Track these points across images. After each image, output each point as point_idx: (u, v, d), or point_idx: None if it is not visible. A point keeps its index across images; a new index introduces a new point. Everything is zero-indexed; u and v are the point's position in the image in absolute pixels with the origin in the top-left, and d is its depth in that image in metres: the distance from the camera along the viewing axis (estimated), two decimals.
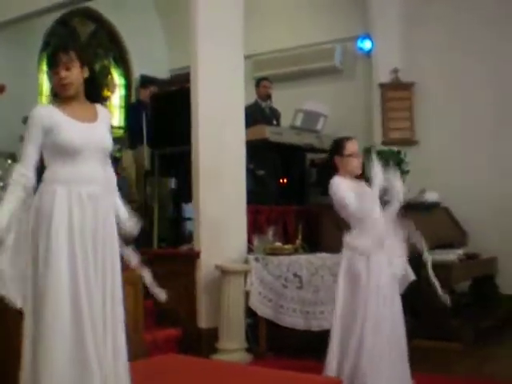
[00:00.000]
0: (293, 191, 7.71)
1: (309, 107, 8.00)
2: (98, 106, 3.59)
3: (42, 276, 3.26)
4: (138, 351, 4.17)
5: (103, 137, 3.49)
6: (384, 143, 8.17)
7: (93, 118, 3.50)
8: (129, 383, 3.46)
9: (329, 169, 4.55)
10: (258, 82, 8.22)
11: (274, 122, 7.88)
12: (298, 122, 7.84)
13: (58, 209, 3.30)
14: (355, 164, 4.49)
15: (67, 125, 3.36)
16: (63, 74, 3.37)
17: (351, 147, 4.51)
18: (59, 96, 3.44)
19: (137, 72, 10.17)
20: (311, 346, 5.37)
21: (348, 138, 4.60)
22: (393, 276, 4.47)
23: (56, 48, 3.52)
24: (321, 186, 4.56)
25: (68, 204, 3.32)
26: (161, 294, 3.84)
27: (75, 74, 3.41)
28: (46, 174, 3.39)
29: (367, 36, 8.75)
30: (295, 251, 6.16)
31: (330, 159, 4.57)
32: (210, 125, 6.08)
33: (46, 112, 3.40)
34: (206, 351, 5.70)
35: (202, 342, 5.88)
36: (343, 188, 4.39)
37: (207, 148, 6.06)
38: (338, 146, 4.56)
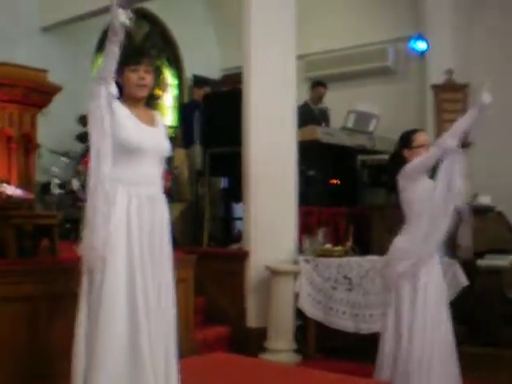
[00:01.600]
0: (344, 192, 7.67)
1: (361, 108, 7.96)
2: (155, 112, 3.67)
3: (100, 271, 3.32)
4: (187, 349, 4.21)
5: (164, 142, 3.56)
6: None
7: (153, 123, 3.56)
8: (178, 381, 3.52)
9: (397, 161, 4.52)
10: (314, 86, 8.19)
11: (323, 124, 7.86)
12: (350, 123, 7.80)
13: (117, 208, 3.35)
14: None
15: (131, 123, 3.42)
16: (143, 74, 3.45)
17: (419, 139, 4.47)
18: (128, 96, 3.49)
19: (189, 72, 10.24)
20: (360, 349, 5.35)
21: (416, 130, 4.58)
22: (439, 276, 4.43)
23: (140, 49, 3.59)
24: (389, 180, 4.48)
25: (127, 203, 3.37)
26: None
27: (150, 79, 3.51)
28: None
29: (420, 36, 8.67)
30: (345, 253, 6.12)
31: (399, 152, 4.54)
32: (262, 125, 6.09)
33: (117, 104, 3.43)
34: (255, 350, 5.72)
35: (250, 341, 5.90)
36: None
37: (258, 148, 6.08)
38: (405, 138, 4.53)
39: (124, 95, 3.49)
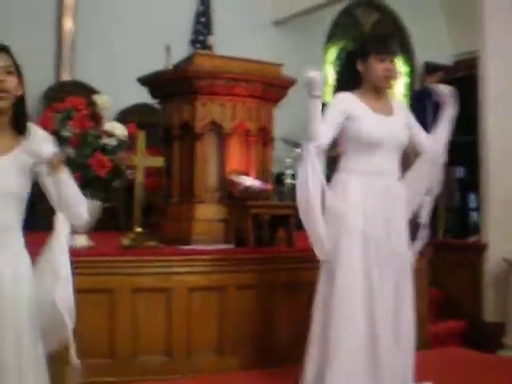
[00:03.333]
0: None
1: None
2: (393, 100, 3.63)
3: (335, 266, 3.37)
4: (420, 342, 4.13)
5: (400, 132, 3.52)
6: None
7: (389, 111, 3.53)
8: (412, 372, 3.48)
9: None
10: None
11: None
12: None
13: (352, 200, 3.38)
14: None
15: (367, 116, 3.43)
16: (390, 65, 3.45)
17: None
18: (369, 84, 3.49)
19: (420, 59, 10.05)
20: None
21: None
22: None
23: (389, 38, 3.59)
24: None
25: (361, 193, 3.38)
26: None
27: (395, 71, 3.51)
28: (342, 164, 3.49)
29: None
30: None
31: None
32: (500, 112, 5.80)
33: (348, 98, 3.47)
34: (492, 346, 5.50)
35: (487, 337, 5.68)
36: None
37: (496, 136, 5.79)
38: None
39: (364, 83, 3.50)
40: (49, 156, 2.41)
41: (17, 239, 2.47)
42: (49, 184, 2.50)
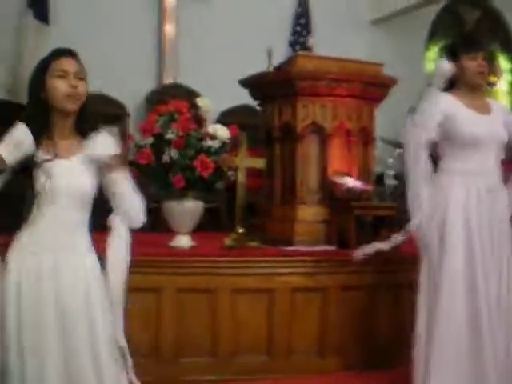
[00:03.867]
0: None
1: None
2: (489, 99, 3.61)
3: (438, 263, 3.33)
4: None
5: (498, 129, 3.46)
6: None
7: (486, 110, 3.49)
8: None
9: None
10: None
11: None
12: None
13: (454, 200, 3.34)
14: None
15: (465, 114, 3.40)
16: (482, 62, 3.43)
17: None
18: (465, 84, 3.45)
19: None
20: None
21: None
22: None
23: (478, 36, 3.60)
24: None
25: (465, 195, 3.34)
26: None
27: (487, 67, 3.47)
28: (444, 165, 3.44)
29: None
30: None
31: None
32: None
33: (444, 98, 3.45)
34: None
35: None
36: None
37: None
38: None
39: (459, 84, 3.48)
40: (106, 158, 2.46)
41: (85, 238, 2.55)
42: (109, 184, 2.56)
